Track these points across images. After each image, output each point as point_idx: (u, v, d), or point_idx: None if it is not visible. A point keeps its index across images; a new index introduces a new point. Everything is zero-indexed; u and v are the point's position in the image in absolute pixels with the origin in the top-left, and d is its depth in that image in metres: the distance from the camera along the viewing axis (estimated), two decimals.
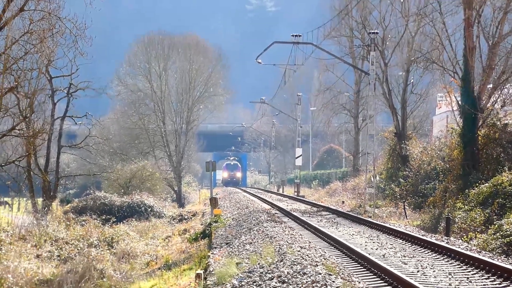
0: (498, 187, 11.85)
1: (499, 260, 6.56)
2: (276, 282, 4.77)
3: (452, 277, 5.36)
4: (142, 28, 51.09)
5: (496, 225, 9.69)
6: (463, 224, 11.55)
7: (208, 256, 9.04)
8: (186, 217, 21.52)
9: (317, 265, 5.79)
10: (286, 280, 4.75)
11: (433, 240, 8.80)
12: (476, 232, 10.34)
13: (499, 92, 15.28)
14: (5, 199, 23.86)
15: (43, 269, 9.29)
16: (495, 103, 15.31)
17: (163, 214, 21.94)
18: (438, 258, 7.17)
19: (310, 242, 9.00)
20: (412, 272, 5.74)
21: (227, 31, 73.45)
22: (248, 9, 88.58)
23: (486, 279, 5.19)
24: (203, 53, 34.95)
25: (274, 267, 5.77)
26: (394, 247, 8.45)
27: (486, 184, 12.52)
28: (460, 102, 15.40)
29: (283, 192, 31.18)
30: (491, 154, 14.43)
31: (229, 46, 52.05)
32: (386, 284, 5.02)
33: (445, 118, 20.94)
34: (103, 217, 18.19)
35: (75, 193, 29.04)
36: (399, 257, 7.24)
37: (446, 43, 16.27)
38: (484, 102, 14.84)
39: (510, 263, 6.33)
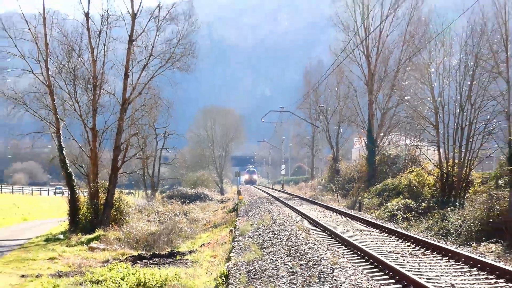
0: (385, 186, 20.31)
1: (386, 223, 12.01)
2: (271, 234, 9.46)
3: (361, 231, 10.41)
4: (198, 102, 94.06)
5: (384, 206, 16.92)
6: (368, 205, 18.98)
7: (236, 220, 14.46)
8: (224, 200, 33.26)
9: (292, 225, 10.51)
10: (276, 233, 9.42)
11: (352, 213, 15.10)
12: (374, 210, 17.54)
13: (386, 138, 26.48)
14: (131, 190, 40.72)
15: (150, 227, 14.78)
16: (384, 143, 26.37)
17: (213, 199, 34.38)
18: (355, 222, 12.51)
19: (288, 214, 14.51)
20: (341, 229, 10.68)
21: (244, 102, 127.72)
22: (256, 93, 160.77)
23: (378, 232, 10.28)
24: (232, 116, 63.74)
25: (270, 226, 10.59)
26: (332, 217, 13.96)
27: (379, 185, 21.36)
28: (366, 142, 26.10)
29: (274, 188, 48.92)
30: (382, 169, 24.35)
31: (245, 110, 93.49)
32: (327, 235, 9.91)
33: (358, 150, 33.61)
34: (182, 200, 29.26)
35: (167, 188, 47.01)
36: (335, 222, 12.51)
37: (359, 112, 27.89)
38: (378, 142, 25.83)
39: (390, 225, 11.62)
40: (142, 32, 16.70)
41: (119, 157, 16.62)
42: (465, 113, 14.24)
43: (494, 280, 5.33)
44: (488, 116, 13.99)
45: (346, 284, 4.76)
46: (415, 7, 24.14)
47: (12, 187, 47.30)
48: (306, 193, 32.38)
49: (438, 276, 5.62)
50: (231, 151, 59.67)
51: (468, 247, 8.76)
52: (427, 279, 5.31)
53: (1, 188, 44.50)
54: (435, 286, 4.91)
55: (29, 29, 15.49)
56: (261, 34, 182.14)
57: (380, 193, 20.09)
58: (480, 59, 14.12)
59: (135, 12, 16.19)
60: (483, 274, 5.65)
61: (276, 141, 56.11)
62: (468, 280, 5.42)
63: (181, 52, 17.45)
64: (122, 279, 6.83)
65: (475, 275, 5.68)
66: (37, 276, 8.37)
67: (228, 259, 7.62)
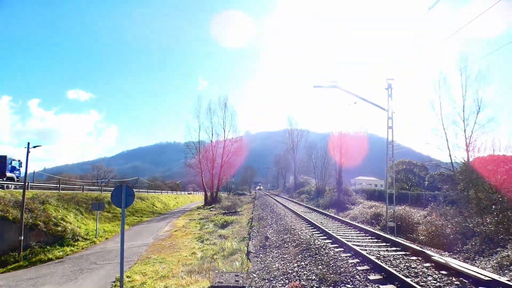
0: (301, 190, 51.74)
1: (333, 213, 42.98)
2: (265, 204, 49.01)
3: (295, 204, 48.97)
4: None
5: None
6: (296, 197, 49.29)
7: (255, 200, 49.34)
8: (252, 195, 67.98)
9: (272, 203, 46.03)
10: (267, 204, 52.21)
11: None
12: (298, 198, 49.27)
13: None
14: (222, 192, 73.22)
15: (228, 203, 55.21)
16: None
17: (247, 194, 72.12)
18: (320, 214, 37.25)
19: (271, 199, 49.11)
20: (310, 217, 43.35)
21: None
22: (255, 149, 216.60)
23: (299, 204, 46.96)
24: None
25: (265, 201, 48.09)
26: (310, 210, 47.96)
27: (299, 189, 52.89)
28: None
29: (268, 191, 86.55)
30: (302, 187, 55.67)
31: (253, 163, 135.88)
32: (301, 219, 47.45)
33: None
34: (238, 193, 69.68)
35: (234, 190, 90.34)
36: (308, 213, 48.43)
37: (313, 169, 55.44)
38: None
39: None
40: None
41: (219, 182, 53.01)
42: (321, 169, 47.92)
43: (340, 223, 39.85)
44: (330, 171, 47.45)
45: (289, 217, 38.74)
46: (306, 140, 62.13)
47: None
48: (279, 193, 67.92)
49: (314, 218, 40.03)
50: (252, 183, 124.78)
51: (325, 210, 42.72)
52: (309, 218, 39.77)
53: (182, 192, 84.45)
54: (312, 219, 39.36)
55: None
56: None
57: (300, 193, 52.98)
58: (326, 158, 47.99)
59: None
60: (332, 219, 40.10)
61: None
62: (320, 217, 39.89)
63: None
64: (219, 219, 28.87)
65: (330, 219, 40.15)
66: (193, 219, 41.96)
67: (251, 213, 41.43)
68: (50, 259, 17.59)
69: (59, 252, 18.54)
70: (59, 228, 20.77)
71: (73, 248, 19.36)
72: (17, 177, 27.39)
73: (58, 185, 30.50)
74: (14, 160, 27.24)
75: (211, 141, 51.38)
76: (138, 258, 15.63)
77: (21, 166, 28.37)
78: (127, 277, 12.06)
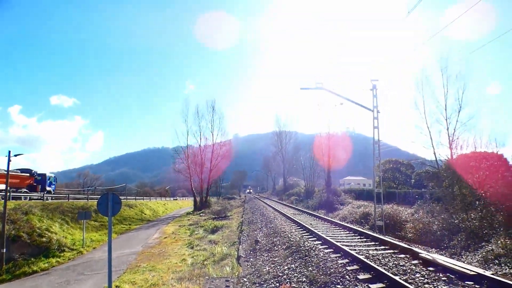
0: (291, 192, 54.35)
1: (322, 214, 44.33)
2: (255, 208, 46.08)
3: (284, 206, 48.55)
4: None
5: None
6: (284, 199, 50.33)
7: (244, 203, 49.63)
8: (242, 198, 69.29)
9: (261, 206, 48.24)
10: (257, 208, 54.25)
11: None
12: (287, 200, 49.47)
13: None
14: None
15: (218, 207, 54.24)
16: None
17: (236, 198, 70.72)
18: (310, 215, 44.21)
19: (260, 202, 48.31)
20: (299, 219, 45.32)
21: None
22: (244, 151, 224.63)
23: (288, 206, 47.48)
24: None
25: (255, 205, 47.14)
26: (300, 212, 47.64)
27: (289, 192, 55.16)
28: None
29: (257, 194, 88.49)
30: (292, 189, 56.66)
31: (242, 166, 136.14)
32: (291, 222, 47.56)
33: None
34: (228, 198, 69.72)
35: (224, 194, 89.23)
36: (298, 215, 48.13)
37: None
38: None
39: (290, 204, 44.94)
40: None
41: (208, 186, 52.65)
42: (310, 170, 48.20)
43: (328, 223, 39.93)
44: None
45: (279, 220, 38.60)
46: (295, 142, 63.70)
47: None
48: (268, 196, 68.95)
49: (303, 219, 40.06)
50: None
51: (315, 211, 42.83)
52: (299, 220, 39.79)
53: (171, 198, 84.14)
54: (301, 221, 39.39)
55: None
56: None
57: (290, 195, 53.19)
58: (314, 159, 48.43)
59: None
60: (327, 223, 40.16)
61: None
62: (310, 218, 39.94)
63: None
64: (209, 225, 29.91)
65: (320, 220, 40.23)
66: (183, 225, 41.46)
67: (241, 217, 41.60)
68: (35, 271, 17.06)
69: (44, 263, 18.01)
70: (44, 239, 20.20)
71: (59, 259, 18.84)
72: (53, 190, 34.56)
73: (42, 195, 29.71)
74: (51, 176, 34.51)
75: (200, 145, 51.14)
76: (127, 267, 15.35)
77: (56, 181, 36.99)
78: (116, 286, 11.82)
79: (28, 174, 30.35)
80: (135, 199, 50.86)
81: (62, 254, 19.56)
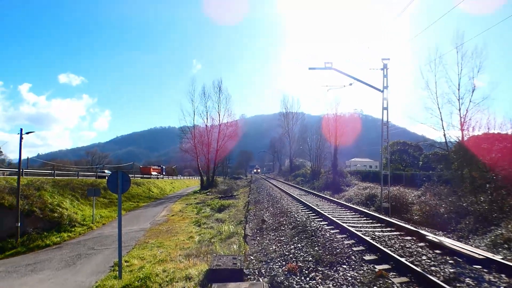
0: (297, 174, 53.97)
1: (328, 195, 43.93)
2: (262, 187, 47.10)
3: (290, 186, 47.78)
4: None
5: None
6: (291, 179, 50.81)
7: (251, 183, 50.16)
8: (249, 178, 69.91)
9: (268, 186, 48.98)
10: (263, 187, 53.61)
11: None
12: (293, 181, 49.47)
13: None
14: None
15: (224, 187, 54.22)
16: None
17: (243, 178, 73.05)
18: (316, 196, 32.12)
19: (266, 182, 48.84)
20: (306, 199, 28.66)
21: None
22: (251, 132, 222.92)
23: (293, 186, 46.69)
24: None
25: (261, 184, 47.64)
26: (306, 193, 47.47)
27: (295, 172, 55.07)
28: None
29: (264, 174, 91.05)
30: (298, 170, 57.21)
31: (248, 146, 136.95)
32: (297, 202, 48.22)
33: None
34: (235, 177, 71.87)
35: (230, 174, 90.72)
36: (304, 195, 47.85)
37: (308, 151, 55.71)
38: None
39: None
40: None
41: (215, 166, 53.00)
42: (316, 151, 48.06)
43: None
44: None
45: (285, 200, 38.73)
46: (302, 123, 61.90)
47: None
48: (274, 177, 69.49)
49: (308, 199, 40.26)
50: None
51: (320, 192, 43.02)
52: (305, 200, 39.97)
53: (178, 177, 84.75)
54: (308, 201, 39.62)
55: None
56: None
57: (296, 176, 53.21)
58: (321, 141, 48.02)
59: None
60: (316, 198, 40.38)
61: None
62: (316, 199, 40.12)
63: None
64: (216, 203, 28.78)
65: (314, 196, 40.43)
66: (190, 204, 41.79)
67: (248, 197, 41.68)
68: (47, 245, 17.63)
69: (56, 238, 18.57)
70: (56, 214, 20.74)
71: (70, 234, 19.39)
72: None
73: (53, 171, 30.27)
74: (163, 167, 67.64)
75: (206, 125, 51.07)
76: (136, 243, 15.71)
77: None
78: (126, 261, 12.13)
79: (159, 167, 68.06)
80: (142, 177, 51.62)
81: (73, 229, 20.11)
